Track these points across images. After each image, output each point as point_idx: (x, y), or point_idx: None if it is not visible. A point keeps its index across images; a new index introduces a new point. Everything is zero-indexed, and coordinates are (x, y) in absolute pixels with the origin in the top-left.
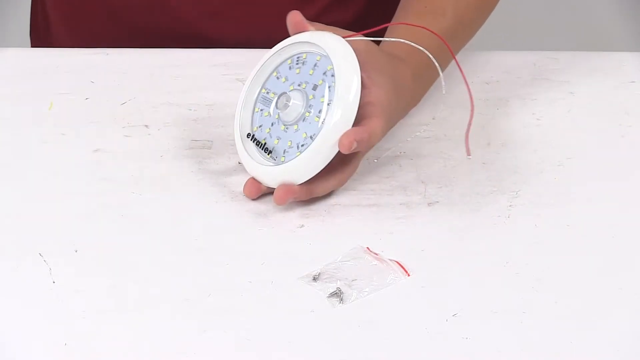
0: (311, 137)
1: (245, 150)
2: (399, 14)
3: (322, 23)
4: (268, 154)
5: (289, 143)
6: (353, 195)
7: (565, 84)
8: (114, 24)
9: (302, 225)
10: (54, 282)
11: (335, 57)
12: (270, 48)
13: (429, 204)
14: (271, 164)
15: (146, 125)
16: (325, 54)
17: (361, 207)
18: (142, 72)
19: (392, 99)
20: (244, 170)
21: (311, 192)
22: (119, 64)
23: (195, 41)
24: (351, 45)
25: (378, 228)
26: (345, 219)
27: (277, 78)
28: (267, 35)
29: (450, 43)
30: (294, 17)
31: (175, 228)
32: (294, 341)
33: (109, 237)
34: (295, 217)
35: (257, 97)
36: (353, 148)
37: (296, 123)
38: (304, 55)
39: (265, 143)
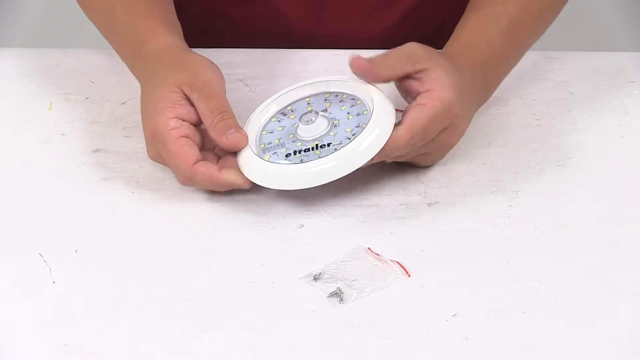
0: (335, 148)
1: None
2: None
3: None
4: (326, 146)
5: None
6: (353, 195)
7: (565, 84)
8: (232, 33)
9: (302, 225)
10: (54, 282)
11: (375, 102)
12: (359, 48)
13: (429, 204)
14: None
15: None
16: (363, 99)
17: (361, 207)
18: None
19: (457, 96)
20: None
21: None
22: (119, 64)
23: (304, 41)
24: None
25: (378, 228)
26: (345, 219)
27: (308, 104)
28: (358, 33)
29: (516, 28)
30: (356, 63)
31: (175, 228)
32: (294, 341)
33: (109, 237)
34: (295, 217)
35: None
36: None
37: (317, 140)
38: (344, 95)
39: (316, 144)
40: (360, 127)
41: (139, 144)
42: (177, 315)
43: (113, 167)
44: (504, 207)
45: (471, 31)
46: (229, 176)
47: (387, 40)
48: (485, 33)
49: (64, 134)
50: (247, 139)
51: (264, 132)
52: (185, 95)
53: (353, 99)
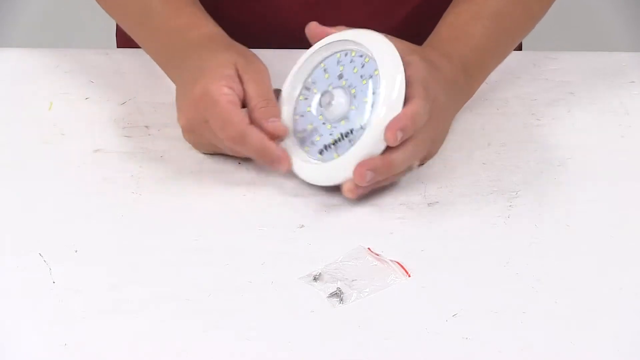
0: (362, 127)
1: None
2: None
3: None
4: (350, 134)
5: (337, 136)
6: None
7: (565, 84)
8: (234, 32)
9: (302, 225)
10: (54, 282)
11: (379, 56)
12: None
13: (429, 204)
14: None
15: (146, 126)
16: (370, 54)
17: (361, 207)
18: (142, 72)
19: (430, 71)
20: (244, 171)
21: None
22: (119, 64)
23: (292, 37)
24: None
25: (378, 228)
26: (345, 219)
27: (324, 70)
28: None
29: (500, 21)
30: (314, 29)
31: (175, 228)
32: (294, 341)
33: (109, 237)
34: (295, 217)
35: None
36: (399, 138)
37: (343, 119)
38: (352, 53)
39: (341, 133)
40: (375, 93)
41: (138, 144)
42: (177, 315)
43: (113, 167)
44: (504, 207)
45: (450, 26)
46: (279, 151)
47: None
48: (464, 26)
49: (64, 134)
50: (287, 133)
51: (296, 117)
52: (238, 74)
53: (361, 56)
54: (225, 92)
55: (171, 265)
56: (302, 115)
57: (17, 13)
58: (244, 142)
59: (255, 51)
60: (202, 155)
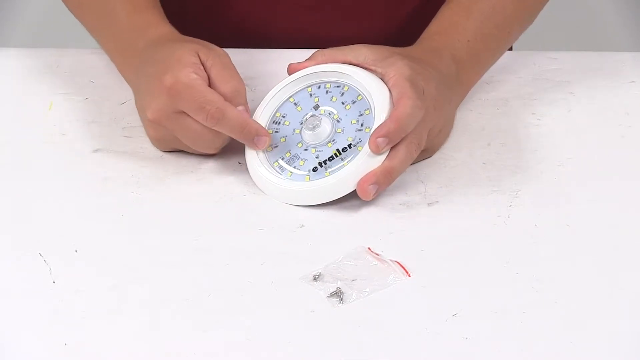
0: (351, 145)
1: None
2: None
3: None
4: (348, 148)
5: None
6: (353, 195)
7: (565, 84)
8: (233, 35)
9: (302, 225)
10: (54, 282)
11: (359, 83)
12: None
13: (429, 204)
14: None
15: None
16: (348, 82)
17: (361, 207)
18: None
19: (413, 67)
20: (244, 171)
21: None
22: None
23: (292, 39)
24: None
25: (378, 228)
26: (345, 219)
27: (295, 104)
28: (362, 33)
29: (492, 15)
30: (293, 68)
31: (175, 228)
32: (294, 341)
33: (109, 237)
34: (295, 217)
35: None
36: (383, 144)
37: (330, 142)
38: (327, 85)
39: (337, 149)
40: (363, 115)
41: (139, 144)
42: (177, 315)
43: (113, 167)
44: (504, 207)
45: (439, 22)
46: (258, 125)
47: (391, 43)
48: (453, 21)
49: (64, 134)
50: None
51: (269, 148)
52: (201, 61)
53: (338, 86)
54: (194, 77)
55: (171, 265)
56: (276, 146)
57: (17, 13)
58: (223, 117)
59: (252, 51)
60: (202, 155)
